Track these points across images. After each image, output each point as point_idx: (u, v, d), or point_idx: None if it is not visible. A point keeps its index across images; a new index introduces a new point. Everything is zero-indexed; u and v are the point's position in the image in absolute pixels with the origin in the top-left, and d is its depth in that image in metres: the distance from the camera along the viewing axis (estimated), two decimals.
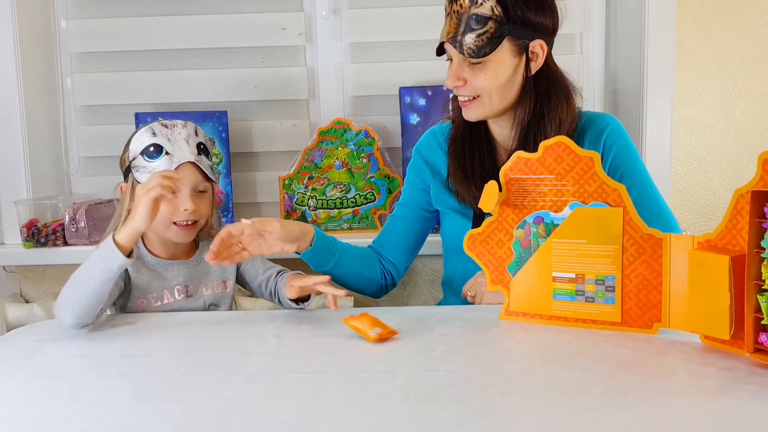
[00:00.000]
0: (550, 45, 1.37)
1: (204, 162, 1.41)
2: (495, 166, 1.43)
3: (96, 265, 1.24)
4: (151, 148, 1.37)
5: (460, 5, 1.29)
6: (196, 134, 1.43)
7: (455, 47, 1.31)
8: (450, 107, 1.49)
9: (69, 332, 1.25)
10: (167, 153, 1.37)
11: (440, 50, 1.38)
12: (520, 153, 1.23)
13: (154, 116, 1.92)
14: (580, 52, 1.99)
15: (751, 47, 1.89)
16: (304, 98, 2.04)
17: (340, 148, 1.94)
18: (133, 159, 1.39)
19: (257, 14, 1.99)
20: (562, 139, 1.19)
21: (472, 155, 1.43)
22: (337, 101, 2.03)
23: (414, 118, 1.93)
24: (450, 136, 1.48)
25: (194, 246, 1.50)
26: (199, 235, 1.50)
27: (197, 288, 1.45)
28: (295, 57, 2.03)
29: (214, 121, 1.93)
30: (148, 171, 1.36)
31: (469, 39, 1.29)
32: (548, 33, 1.36)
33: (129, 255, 1.24)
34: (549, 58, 1.38)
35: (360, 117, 2.01)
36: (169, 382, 1.01)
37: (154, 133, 1.38)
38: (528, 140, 1.36)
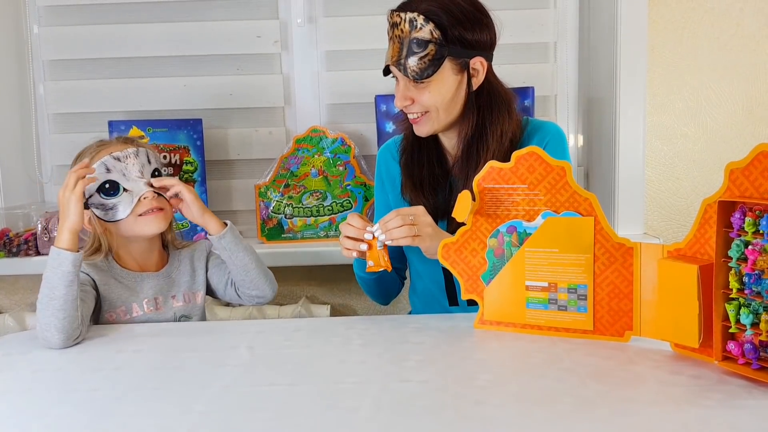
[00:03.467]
0: (489, 60, 1.40)
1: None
2: (445, 173, 1.47)
3: (52, 277, 1.25)
4: (107, 185, 1.36)
5: (401, 30, 1.32)
6: (149, 161, 1.41)
7: (399, 70, 1.35)
8: (398, 119, 1.53)
9: (40, 345, 1.23)
10: (125, 190, 1.36)
11: (386, 71, 1.42)
12: (493, 162, 1.24)
13: (128, 124, 1.91)
14: (554, 61, 2.01)
15: (721, 56, 1.92)
16: (279, 106, 2.03)
17: (316, 156, 1.94)
18: (90, 197, 1.36)
19: (232, 22, 1.99)
20: (534, 149, 1.20)
21: (421, 165, 1.46)
22: (313, 109, 2.03)
23: (390, 126, 1.93)
24: (401, 148, 1.51)
25: (165, 258, 1.49)
26: (168, 248, 1.51)
27: (167, 300, 1.45)
28: (270, 65, 2.02)
29: (188, 128, 1.92)
30: (108, 208, 1.36)
31: (412, 62, 1.33)
32: (487, 49, 1.39)
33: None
34: (490, 73, 1.41)
35: (336, 125, 2.01)
36: (139, 396, 1.00)
37: (108, 169, 1.36)
38: (471, 152, 1.39)
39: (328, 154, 1.94)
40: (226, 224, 1.44)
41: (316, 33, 2.00)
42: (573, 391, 0.98)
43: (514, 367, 1.09)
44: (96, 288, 1.38)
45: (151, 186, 1.39)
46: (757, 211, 0.98)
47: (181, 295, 1.46)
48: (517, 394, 0.98)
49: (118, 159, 1.36)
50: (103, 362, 1.16)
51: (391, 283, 1.57)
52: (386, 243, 1.30)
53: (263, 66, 2.02)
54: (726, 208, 1.01)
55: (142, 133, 1.91)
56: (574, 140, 2.06)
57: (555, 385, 1.00)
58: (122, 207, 1.36)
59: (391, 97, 1.92)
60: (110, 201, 1.36)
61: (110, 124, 1.91)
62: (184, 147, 1.92)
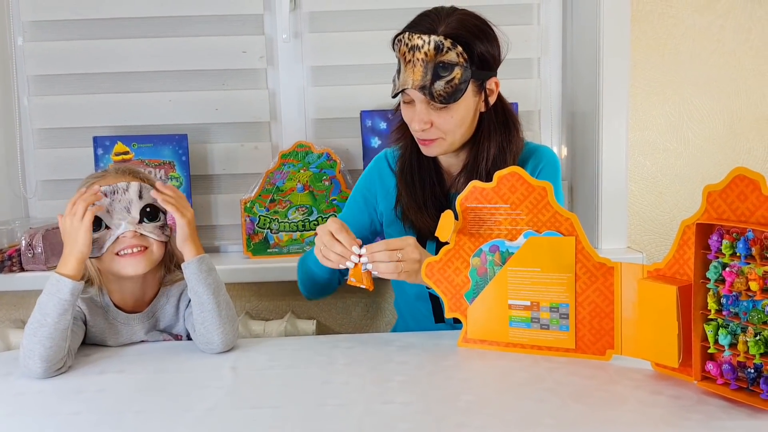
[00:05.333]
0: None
1: (147, 227, 1.33)
2: (443, 192, 1.47)
3: (47, 302, 1.22)
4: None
5: (425, 53, 1.30)
6: (141, 197, 1.34)
7: (424, 94, 1.31)
8: (395, 136, 1.50)
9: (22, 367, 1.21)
10: (106, 227, 1.31)
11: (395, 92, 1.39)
12: (476, 182, 1.25)
13: (113, 140, 1.90)
14: (537, 76, 2.02)
15: (702, 72, 1.94)
16: (265, 121, 2.03)
17: (301, 171, 1.94)
18: None
19: (218, 37, 1.99)
20: (516, 169, 1.21)
21: (423, 185, 1.45)
22: (298, 124, 2.03)
23: (375, 141, 1.94)
24: (399, 166, 1.50)
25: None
26: (164, 280, 1.43)
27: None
28: (256, 80, 2.03)
29: (174, 144, 1.92)
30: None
31: (439, 86, 1.30)
32: (497, 67, 1.40)
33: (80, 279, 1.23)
34: (500, 92, 1.42)
35: (322, 140, 2.01)
36: (121, 420, 1.00)
37: (93, 202, 1.30)
38: (492, 174, 1.37)
39: (314, 169, 1.94)
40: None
41: (301, 48, 2.00)
42: (554, 412, 0.99)
43: (497, 387, 1.10)
44: (85, 323, 1.35)
45: (145, 217, 1.33)
46: (734, 234, 0.99)
47: (163, 334, 1.42)
48: (499, 415, 0.98)
49: (105, 194, 1.31)
50: (86, 384, 1.15)
51: (329, 285, 1.55)
52: (371, 272, 1.30)
53: (249, 81, 2.03)
54: (704, 231, 1.03)
55: (127, 149, 1.91)
56: (558, 154, 2.07)
57: (536, 406, 1.01)
58: (99, 243, 1.30)
59: (377, 112, 1.94)
60: (92, 234, 1.30)
61: (95, 139, 1.91)
62: (169, 162, 1.92)
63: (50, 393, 1.12)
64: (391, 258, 1.28)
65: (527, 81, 2.02)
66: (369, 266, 1.29)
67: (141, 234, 1.32)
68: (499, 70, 1.38)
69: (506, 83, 1.95)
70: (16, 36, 2.00)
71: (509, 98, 1.88)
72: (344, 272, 1.53)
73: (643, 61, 1.93)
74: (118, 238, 1.31)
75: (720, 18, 1.92)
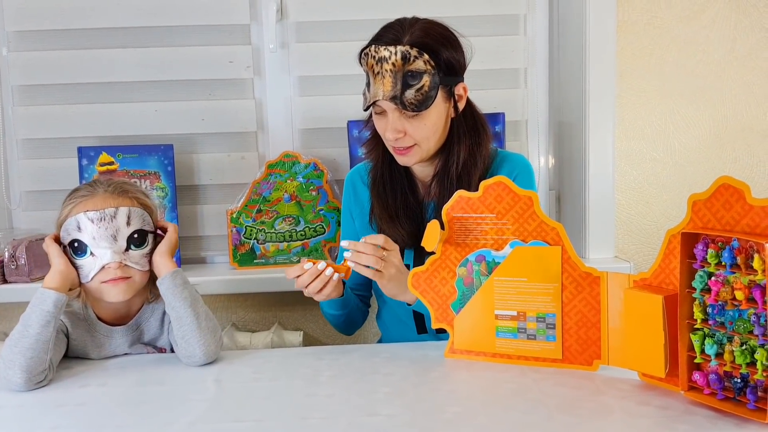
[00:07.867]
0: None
1: (133, 257, 1.31)
2: (417, 201, 1.47)
3: (30, 314, 1.21)
4: (75, 244, 1.29)
5: (393, 64, 1.31)
6: (129, 223, 1.30)
7: (396, 104, 1.33)
8: (367, 149, 1.52)
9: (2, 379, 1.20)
10: (92, 254, 1.28)
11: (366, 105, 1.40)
12: (461, 192, 1.24)
13: (98, 150, 1.89)
14: (524, 86, 2.03)
15: (688, 81, 1.95)
16: (252, 131, 2.02)
17: (288, 181, 1.93)
18: (64, 247, 1.31)
19: (204, 47, 1.98)
20: (502, 179, 1.21)
21: (395, 195, 1.46)
22: (285, 134, 2.02)
23: (362, 151, 1.93)
24: (371, 177, 1.51)
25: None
26: (149, 295, 1.40)
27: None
28: (243, 90, 2.02)
29: (159, 154, 1.91)
30: (75, 266, 1.29)
31: (410, 95, 1.32)
32: (463, 72, 1.41)
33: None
34: (469, 98, 1.44)
35: (309, 150, 2.00)
36: None
37: (79, 228, 1.28)
38: (462, 178, 1.39)
39: (301, 179, 1.93)
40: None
41: (288, 58, 2.00)
42: (541, 424, 0.98)
43: (483, 398, 1.09)
44: (67, 336, 1.33)
45: (132, 244, 1.31)
46: (719, 243, 0.99)
47: (146, 347, 1.40)
48: (486, 427, 0.98)
49: (92, 221, 1.28)
50: (67, 398, 1.14)
51: (357, 313, 1.57)
52: (349, 264, 1.29)
53: (235, 91, 2.02)
54: (689, 240, 1.02)
55: (112, 159, 1.89)
56: (546, 164, 2.07)
57: (523, 418, 1.00)
58: (85, 270, 1.29)
59: (364, 122, 1.93)
60: (77, 261, 1.29)
61: (79, 150, 1.89)
62: (154, 173, 1.91)
63: (30, 406, 1.11)
64: (374, 252, 1.28)
65: (514, 91, 2.02)
66: (347, 254, 1.28)
67: (126, 265, 1.30)
68: (486, 80, 1.39)
69: (493, 93, 1.98)
70: (0, 46, 1.98)
71: (496, 108, 1.91)
72: (364, 298, 1.59)
73: (630, 71, 1.94)
74: (103, 267, 1.28)
75: (705, 28, 1.93)
